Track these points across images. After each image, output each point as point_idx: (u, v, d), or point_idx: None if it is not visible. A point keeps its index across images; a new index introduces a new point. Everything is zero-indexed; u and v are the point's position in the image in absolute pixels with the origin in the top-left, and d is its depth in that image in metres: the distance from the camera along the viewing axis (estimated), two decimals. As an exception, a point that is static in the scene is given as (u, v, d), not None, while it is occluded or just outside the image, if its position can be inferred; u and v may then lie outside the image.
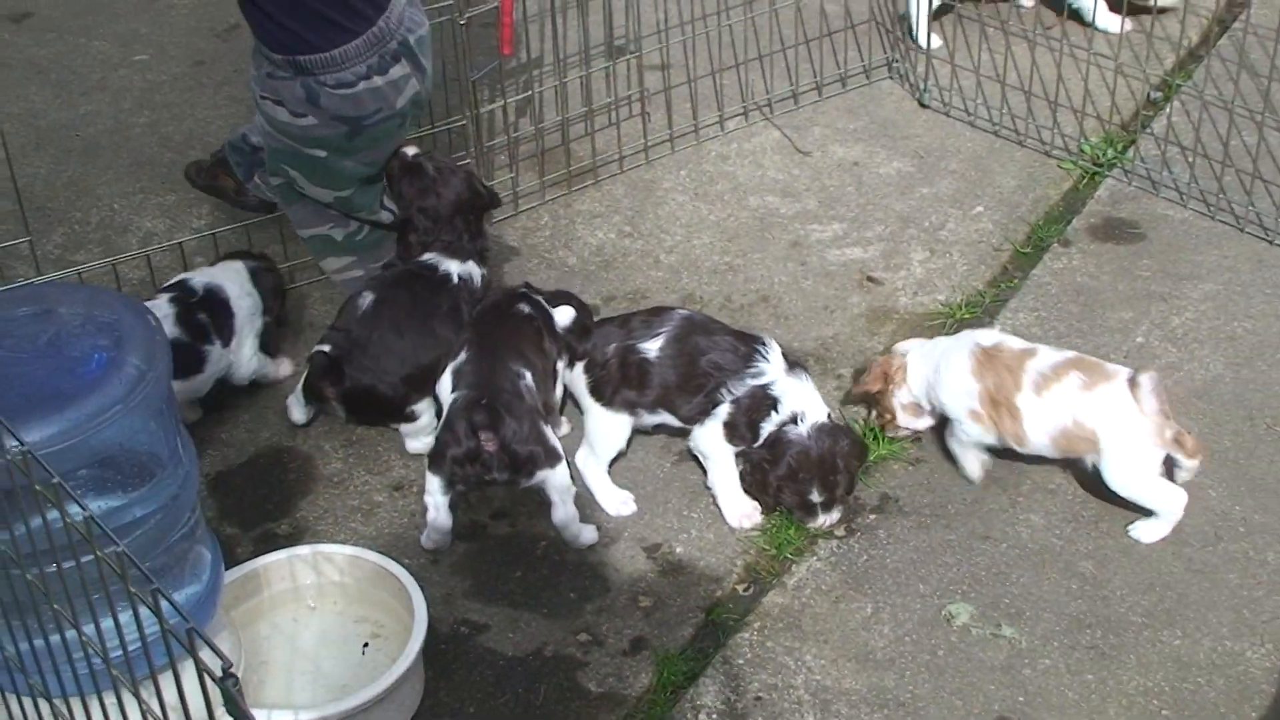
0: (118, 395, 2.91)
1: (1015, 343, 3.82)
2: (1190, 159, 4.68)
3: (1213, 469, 3.87)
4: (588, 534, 3.77)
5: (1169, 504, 3.69)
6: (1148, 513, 3.72)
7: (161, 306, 3.91)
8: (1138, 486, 3.69)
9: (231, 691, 1.93)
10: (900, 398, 3.91)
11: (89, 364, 2.98)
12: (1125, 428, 3.64)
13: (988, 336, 3.87)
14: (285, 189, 4.15)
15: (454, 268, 4.08)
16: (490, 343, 3.84)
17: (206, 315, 3.99)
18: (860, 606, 3.62)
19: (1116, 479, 3.68)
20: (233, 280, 4.09)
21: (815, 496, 3.74)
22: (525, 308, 3.97)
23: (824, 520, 3.77)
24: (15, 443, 2.33)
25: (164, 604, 2.12)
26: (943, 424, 3.88)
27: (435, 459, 3.73)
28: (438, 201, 4.08)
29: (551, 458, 3.72)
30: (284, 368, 4.22)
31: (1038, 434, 3.72)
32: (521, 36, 4.58)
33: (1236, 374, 4.11)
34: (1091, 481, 3.81)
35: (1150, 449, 3.66)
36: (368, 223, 4.22)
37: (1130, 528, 3.72)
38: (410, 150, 4.09)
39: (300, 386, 4.03)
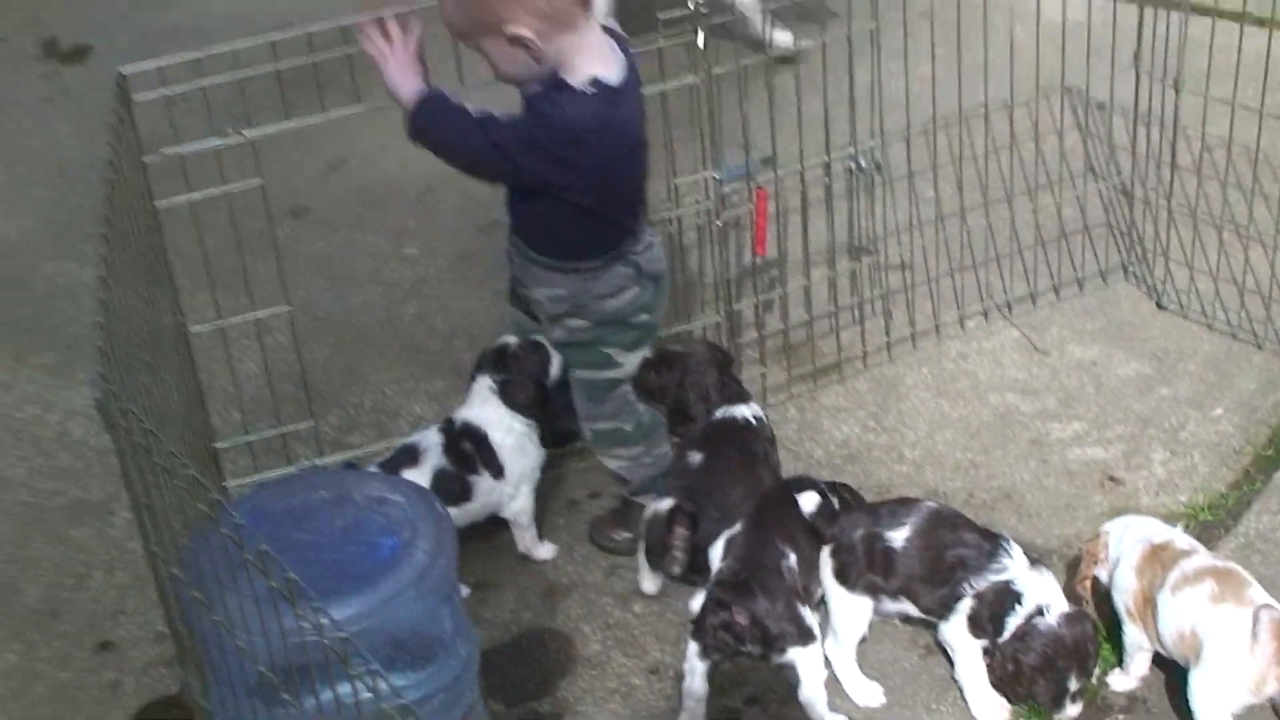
0: (409, 580, 2.98)
1: (1183, 542, 3.76)
2: None
3: None
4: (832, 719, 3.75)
5: None
6: None
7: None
8: (1203, 712, 3.55)
9: None
10: (1103, 575, 3.85)
11: (382, 550, 3.06)
12: (1226, 652, 3.51)
13: (1161, 533, 3.80)
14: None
15: (745, 411, 4.14)
16: (765, 519, 3.88)
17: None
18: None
19: (1193, 693, 3.56)
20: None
21: (1072, 684, 3.68)
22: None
23: (1073, 711, 3.71)
24: (329, 623, 2.39)
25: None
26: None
27: (696, 625, 3.74)
28: (695, 373, 4.15)
29: (805, 637, 3.71)
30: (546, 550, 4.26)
31: (1165, 632, 3.64)
32: (772, 237, 4.62)
33: None
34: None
35: (1238, 687, 3.52)
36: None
37: None
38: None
39: (643, 555, 4.07)
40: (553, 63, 3.70)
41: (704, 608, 3.75)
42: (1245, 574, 3.66)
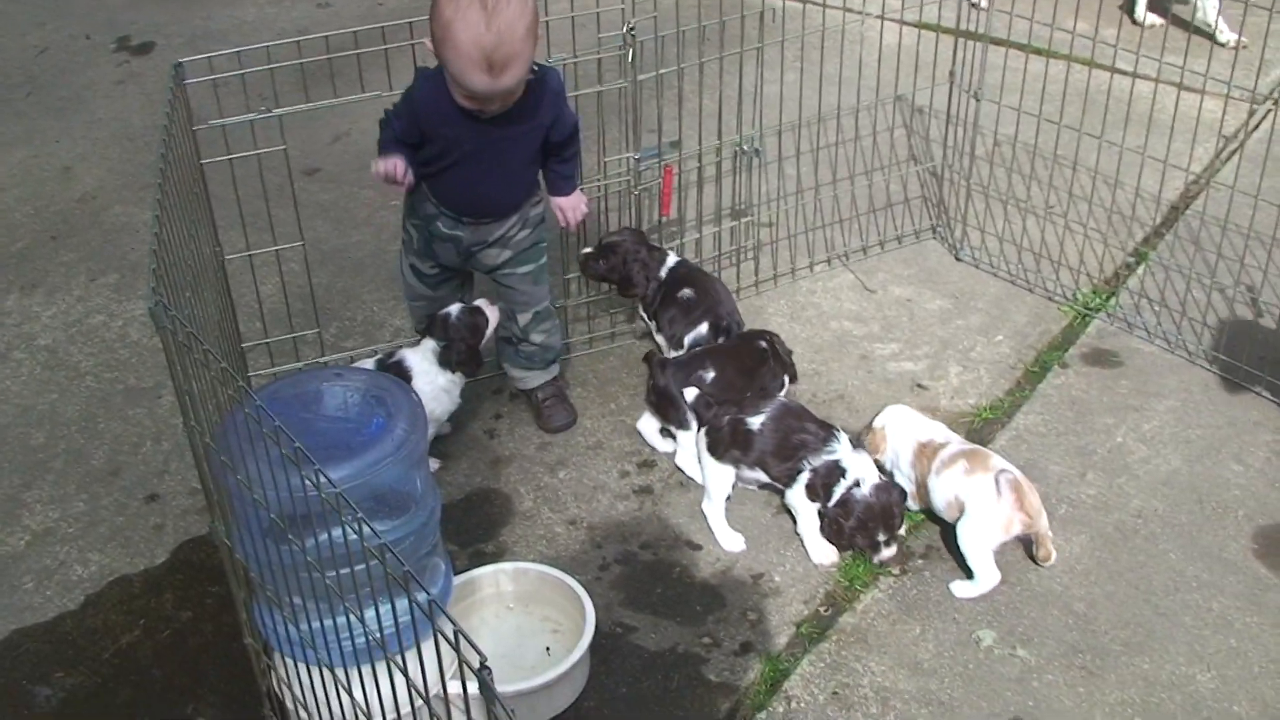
0: (390, 449, 2.94)
1: (940, 435, 3.84)
2: (1155, 309, 4.61)
3: (1173, 538, 3.80)
4: None
5: (984, 578, 3.63)
6: (971, 574, 3.66)
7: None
8: (970, 553, 3.65)
9: (487, 679, 1.92)
10: (885, 461, 3.91)
11: (370, 426, 3.01)
12: (980, 508, 3.61)
13: (924, 430, 3.86)
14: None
15: (674, 259, 4.45)
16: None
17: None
18: (911, 628, 3.57)
19: (961, 540, 3.66)
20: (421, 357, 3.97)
21: (881, 537, 3.71)
22: (762, 343, 4.18)
23: (886, 554, 3.73)
24: (327, 482, 2.35)
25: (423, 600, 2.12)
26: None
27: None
28: (634, 253, 4.36)
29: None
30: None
31: (937, 503, 3.74)
32: (675, 202, 4.58)
33: (1190, 468, 4.03)
34: (1085, 547, 3.74)
35: (993, 529, 3.62)
36: None
37: (951, 584, 3.67)
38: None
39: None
40: None
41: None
42: (988, 451, 3.77)
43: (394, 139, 3.78)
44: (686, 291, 4.32)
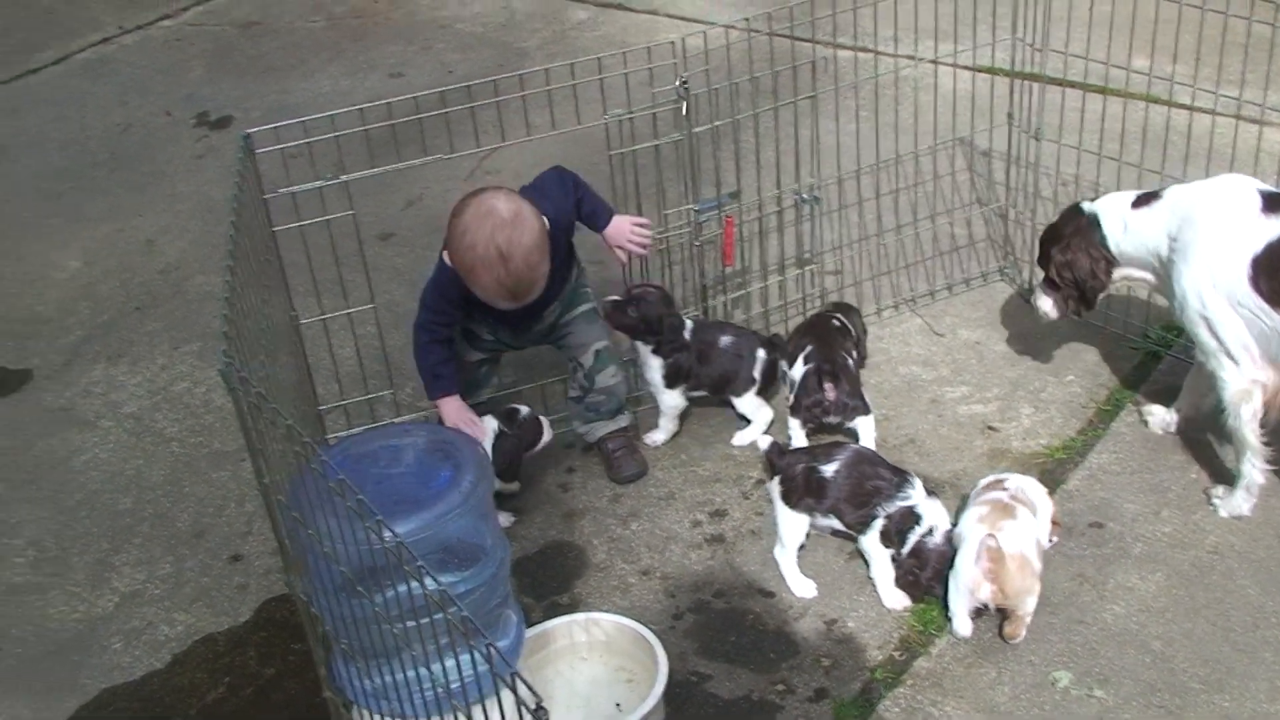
0: (457, 501, 2.98)
1: (1011, 481, 3.77)
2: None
3: (1251, 573, 3.74)
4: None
5: (956, 625, 3.61)
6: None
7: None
8: (950, 598, 3.63)
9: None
10: None
11: (437, 479, 3.06)
12: (960, 558, 3.59)
13: (1003, 474, 3.84)
14: None
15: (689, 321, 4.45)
16: (826, 337, 4.32)
17: None
18: (986, 671, 3.53)
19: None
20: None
21: None
22: (836, 321, 4.41)
23: None
24: (390, 535, 2.39)
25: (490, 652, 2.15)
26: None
27: (793, 405, 4.23)
28: (664, 306, 4.32)
29: (867, 409, 4.19)
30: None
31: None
32: (738, 253, 4.62)
33: (1266, 502, 3.94)
34: (1161, 585, 3.70)
35: (962, 588, 3.58)
36: None
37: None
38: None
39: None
40: None
41: (798, 393, 4.19)
42: (1019, 508, 3.65)
43: (441, 360, 4.03)
44: (726, 339, 4.36)
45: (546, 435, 4.14)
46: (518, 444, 4.06)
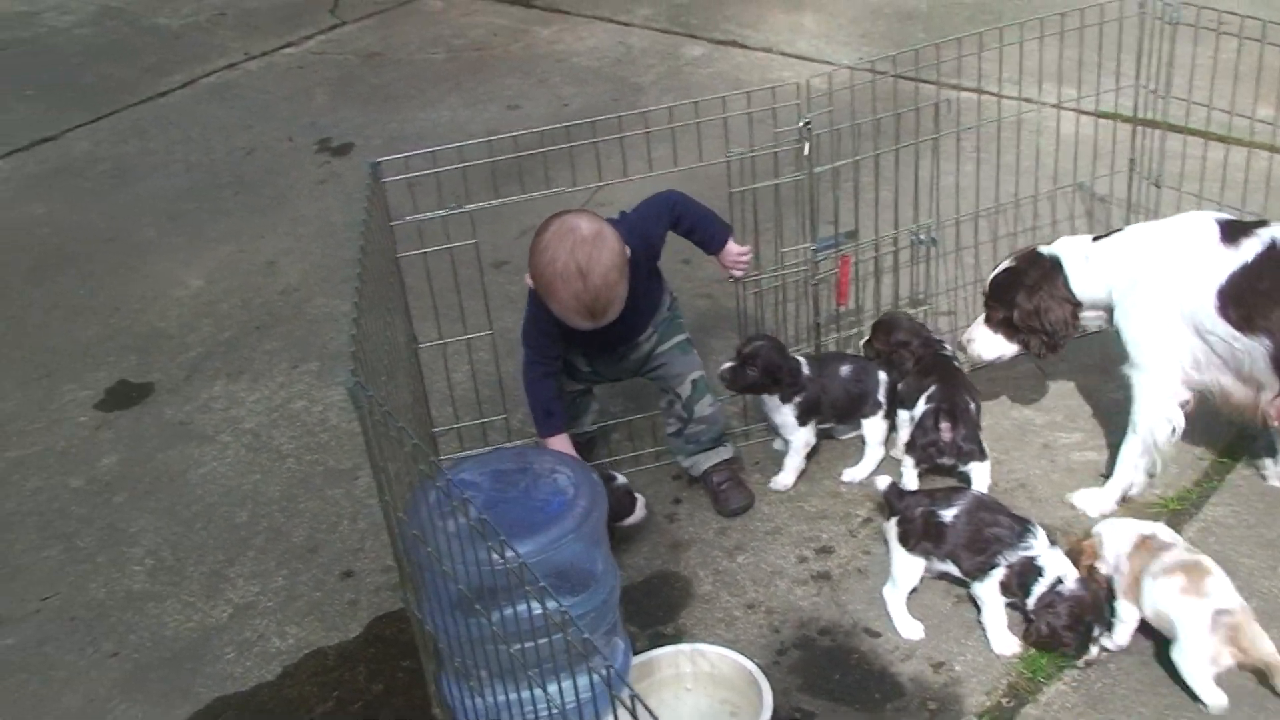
0: (571, 526, 3.01)
1: (1165, 535, 3.70)
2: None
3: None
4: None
5: (1211, 703, 3.46)
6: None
7: None
8: (1188, 680, 3.49)
9: (664, 741, 1.96)
10: (1102, 567, 3.75)
11: (552, 505, 3.10)
12: (1189, 636, 3.48)
13: (1147, 527, 3.73)
14: None
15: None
16: (951, 379, 4.32)
17: None
18: (1095, 720, 3.49)
19: (1179, 665, 3.51)
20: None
21: (1095, 632, 3.63)
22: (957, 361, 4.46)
23: (1094, 651, 3.64)
24: (513, 554, 2.43)
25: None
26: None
27: (909, 444, 4.23)
28: (786, 356, 4.34)
29: (983, 454, 4.17)
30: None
31: (1146, 608, 3.60)
32: (852, 292, 4.62)
33: (1391, 562, 3.88)
34: (1277, 639, 3.63)
35: (1204, 660, 3.46)
36: None
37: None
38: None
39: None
40: None
41: (914, 431, 4.21)
42: (1208, 564, 3.58)
43: (552, 396, 4.10)
44: (845, 368, 4.40)
45: (639, 513, 4.10)
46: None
